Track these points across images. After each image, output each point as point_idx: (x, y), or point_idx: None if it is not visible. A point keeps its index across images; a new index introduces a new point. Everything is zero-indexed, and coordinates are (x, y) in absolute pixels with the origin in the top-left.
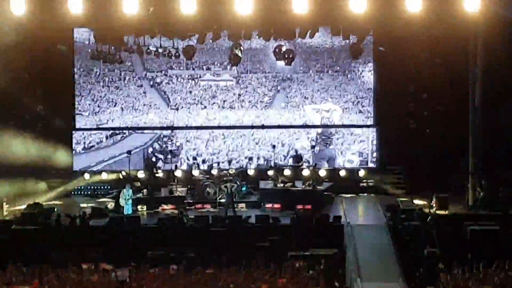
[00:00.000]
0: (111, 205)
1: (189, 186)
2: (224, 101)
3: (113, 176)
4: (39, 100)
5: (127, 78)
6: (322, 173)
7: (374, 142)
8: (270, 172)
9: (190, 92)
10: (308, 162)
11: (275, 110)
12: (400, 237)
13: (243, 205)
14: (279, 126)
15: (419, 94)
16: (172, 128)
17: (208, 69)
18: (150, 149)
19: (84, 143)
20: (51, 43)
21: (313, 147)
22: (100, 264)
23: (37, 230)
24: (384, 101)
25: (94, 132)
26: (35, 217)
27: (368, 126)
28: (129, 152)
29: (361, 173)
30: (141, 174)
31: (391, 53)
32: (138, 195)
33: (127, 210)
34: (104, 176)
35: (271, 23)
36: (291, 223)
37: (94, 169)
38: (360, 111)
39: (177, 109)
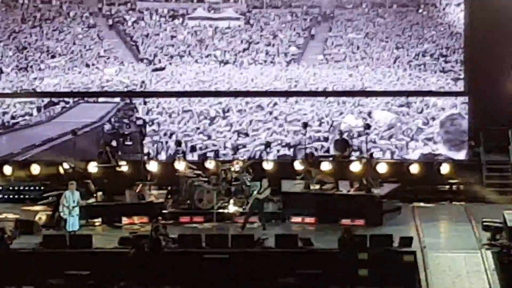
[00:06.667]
0: (46, 216)
1: (169, 188)
2: (226, 52)
3: (49, 170)
4: None
5: (71, 13)
6: (382, 167)
7: (465, 120)
8: (299, 166)
9: (172, 37)
10: (360, 150)
11: (306, 67)
12: (509, 273)
13: (254, 218)
14: (313, 93)
15: None
16: (142, 94)
17: (201, 0)
18: (107, 127)
19: (2, 118)
20: None
21: (368, 126)
22: None
23: None
24: (481, 54)
25: (19, 100)
26: None
27: (455, 94)
28: (74, 132)
29: (444, 168)
30: (93, 168)
31: None
32: (89, 201)
33: (72, 224)
34: (35, 170)
35: None
36: (335, 248)
37: (19, 158)
38: (442, 70)
39: (151, 63)
